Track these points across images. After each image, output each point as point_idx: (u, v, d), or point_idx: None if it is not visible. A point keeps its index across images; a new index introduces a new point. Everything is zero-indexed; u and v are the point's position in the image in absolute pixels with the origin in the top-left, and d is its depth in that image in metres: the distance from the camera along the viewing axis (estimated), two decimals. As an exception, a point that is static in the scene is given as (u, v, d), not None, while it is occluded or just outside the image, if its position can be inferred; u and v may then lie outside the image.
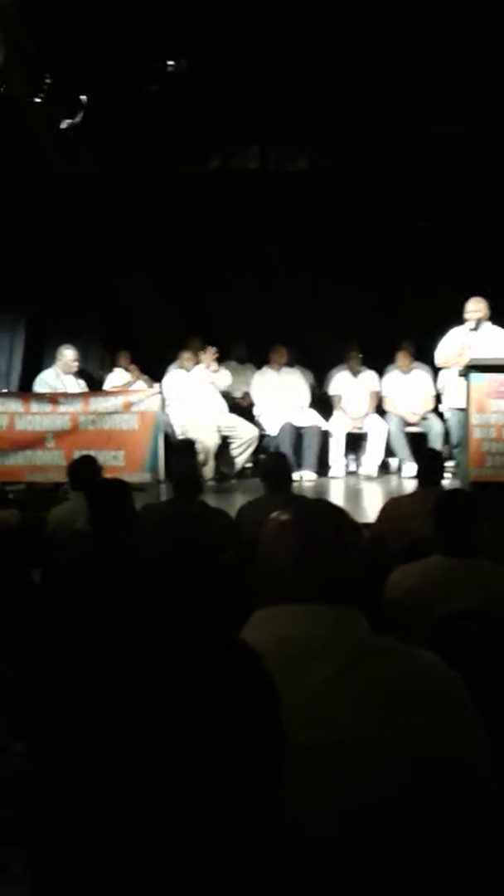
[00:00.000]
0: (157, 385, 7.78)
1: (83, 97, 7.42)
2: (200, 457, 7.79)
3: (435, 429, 8.21)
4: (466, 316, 7.32)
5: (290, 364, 8.76)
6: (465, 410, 6.66)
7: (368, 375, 8.74)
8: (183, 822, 0.72)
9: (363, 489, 7.92)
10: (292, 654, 1.26)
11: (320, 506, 1.50)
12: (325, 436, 8.36)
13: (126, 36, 6.71)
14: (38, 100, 6.94)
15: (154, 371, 8.62)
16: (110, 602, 2.65)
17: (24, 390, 8.28)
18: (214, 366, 8.24)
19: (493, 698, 2.52)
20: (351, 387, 8.70)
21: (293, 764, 1.17)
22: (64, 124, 7.40)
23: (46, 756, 0.75)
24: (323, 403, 8.90)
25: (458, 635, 2.81)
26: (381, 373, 8.83)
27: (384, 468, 8.61)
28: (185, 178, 9.04)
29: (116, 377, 8.73)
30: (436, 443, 8.12)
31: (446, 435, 8.04)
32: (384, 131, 8.53)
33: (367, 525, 5.06)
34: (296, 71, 7.29)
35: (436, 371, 8.18)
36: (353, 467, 8.77)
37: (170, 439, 7.83)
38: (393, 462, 8.68)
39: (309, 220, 9.14)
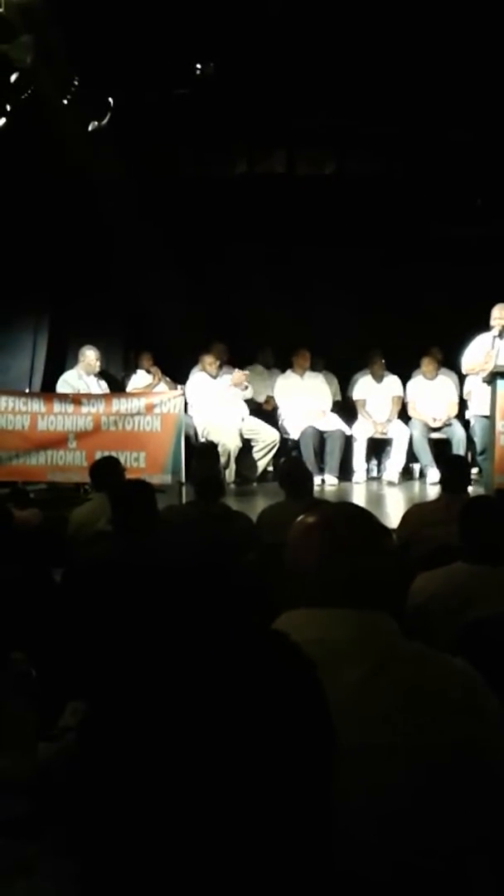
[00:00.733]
0: (179, 387, 7.77)
1: (111, 99, 7.43)
2: (222, 459, 7.78)
3: (458, 435, 8.16)
4: (493, 322, 7.26)
5: (314, 368, 8.74)
6: (490, 417, 6.60)
7: (392, 381, 8.70)
8: (241, 825, 0.69)
9: (385, 495, 7.88)
10: (320, 656, 1.24)
11: (348, 509, 1.48)
12: (347, 440, 8.32)
13: (154, 38, 6.71)
14: (66, 101, 6.96)
15: (176, 374, 8.62)
16: (132, 603, 2.63)
17: (47, 391, 8.29)
18: (242, 386, 8.23)
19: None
20: (374, 392, 8.66)
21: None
22: (91, 126, 7.41)
23: (99, 756, 0.72)
24: (346, 408, 8.87)
25: (483, 642, 2.77)
26: (406, 378, 8.79)
27: (407, 474, 8.57)
28: (211, 182, 9.04)
29: (139, 379, 8.73)
30: (459, 449, 8.07)
31: (469, 441, 7.99)
32: (416, 136, 8.51)
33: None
34: (322, 74, 7.27)
35: (461, 377, 8.12)
36: (375, 472, 8.73)
37: (191, 442, 7.82)
38: (416, 468, 8.63)
39: (336, 224, 9.11)
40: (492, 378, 6.50)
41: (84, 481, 6.72)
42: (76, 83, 6.93)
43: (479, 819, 1.22)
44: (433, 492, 7.23)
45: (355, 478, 8.32)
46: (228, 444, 7.82)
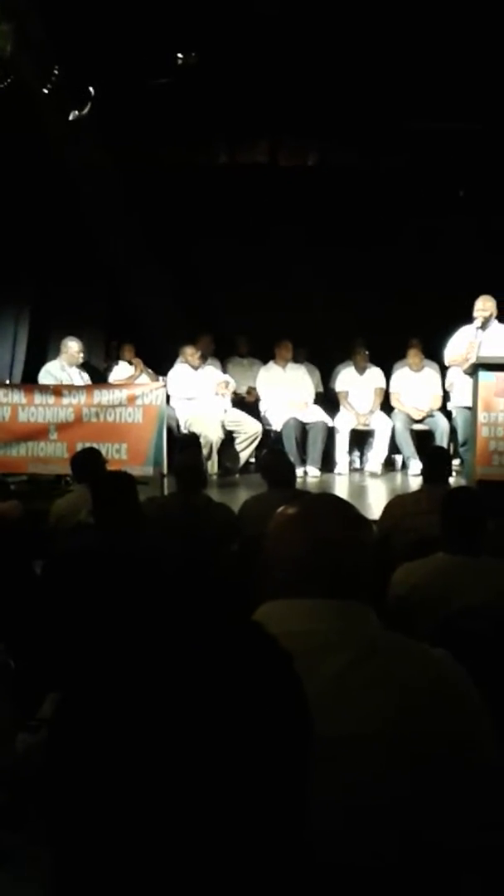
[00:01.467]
0: (161, 379, 7.75)
1: (91, 88, 7.38)
2: (204, 451, 7.77)
3: (441, 426, 8.18)
4: (475, 314, 7.28)
5: (296, 360, 8.73)
6: (472, 409, 6.62)
7: (374, 372, 8.71)
8: (215, 815, 0.69)
9: (368, 486, 7.89)
10: (300, 647, 1.24)
11: (328, 500, 1.48)
12: (330, 432, 8.33)
13: (135, 27, 6.66)
14: (46, 90, 6.91)
15: (159, 365, 8.59)
16: (112, 594, 2.62)
17: (28, 382, 8.24)
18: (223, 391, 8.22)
19: (500, 697, 2.49)
20: (357, 383, 8.67)
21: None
22: (72, 115, 7.36)
23: (68, 750, 0.71)
24: (329, 400, 8.88)
25: (463, 633, 2.78)
26: (389, 370, 8.80)
27: (389, 465, 8.59)
28: (193, 172, 9.00)
29: (121, 370, 8.70)
30: (441, 440, 8.09)
31: (452, 433, 8.01)
32: (396, 127, 8.49)
33: (371, 522, 5.05)
34: (306, 65, 7.25)
35: (444, 369, 8.14)
36: (357, 464, 8.75)
37: (174, 433, 7.80)
38: (398, 459, 8.65)
39: (319, 215, 9.10)
40: (474, 370, 6.52)
41: (65, 473, 6.70)
42: (56, 72, 6.87)
43: (461, 808, 1.22)
44: (415, 483, 7.25)
45: (337, 469, 8.33)
46: (211, 435, 7.81)
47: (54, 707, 0.74)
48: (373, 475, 8.26)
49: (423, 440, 8.21)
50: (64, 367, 8.09)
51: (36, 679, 2.00)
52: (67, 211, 8.39)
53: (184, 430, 7.96)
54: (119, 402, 7.25)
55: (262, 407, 8.50)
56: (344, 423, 8.40)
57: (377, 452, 8.37)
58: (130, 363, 8.69)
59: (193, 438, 7.76)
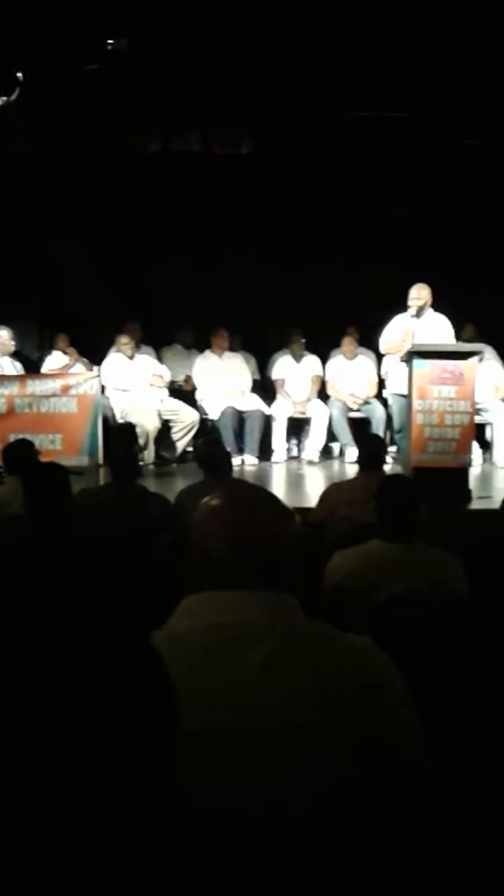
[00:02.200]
0: (95, 368, 7.66)
1: (20, 74, 7.25)
2: (140, 441, 7.70)
3: (377, 414, 8.24)
4: (410, 302, 7.32)
5: (232, 348, 8.71)
6: (407, 396, 6.66)
7: (311, 360, 8.72)
8: (83, 799, 0.75)
9: (305, 474, 7.91)
10: (224, 639, 1.25)
11: (252, 491, 1.46)
12: (267, 420, 8.32)
13: (65, 12, 6.55)
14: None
15: (93, 354, 8.49)
16: (42, 587, 2.57)
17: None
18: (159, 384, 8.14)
19: (431, 683, 2.50)
20: (293, 371, 8.68)
21: (226, 747, 1.16)
22: (1, 101, 7.22)
23: None
24: (265, 388, 8.87)
25: (397, 620, 2.79)
26: (325, 358, 8.83)
27: (326, 453, 8.62)
28: (126, 159, 8.89)
29: (54, 360, 8.57)
30: (378, 428, 8.15)
31: (388, 420, 8.07)
32: (330, 115, 8.49)
33: (308, 510, 5.05)
34: (238, 53, 7.20)
35: (379, 357, 8.18)
36: (295, 452, 8.77)
37: (109, 423, 7.72)
38: (335, 447, 8.69)
39: (253, 203, 9.08)
40: (409, 357, 6.56)
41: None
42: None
43: (385, 797, 1.22)
44: (352, 470, 7.27)
45: (275, 457, 8.33)
46: (147, 424, 7.74)
47: None
48: (310, 463, 8.28)
49: (360, 428, 8.26)
50: (-6, 357, 7.94)
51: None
52: (-2, 197, 8.23)
53: (119, 420, 7.87)
54: (53, 392, 7.16)
55: (199, 396, 8.46)
56: (281, 411, 8.40)
57: (314, 440, 8.39)
58: (65, 353, 8.56)
59: (129, 428, 7.67)
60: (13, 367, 7.98)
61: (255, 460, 8.11)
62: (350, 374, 8.58)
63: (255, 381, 8.85)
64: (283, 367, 8.73)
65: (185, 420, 7.95)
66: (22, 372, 7.99)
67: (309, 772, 1.18)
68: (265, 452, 8.32)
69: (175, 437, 7.98)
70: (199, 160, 8.83)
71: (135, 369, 8.14)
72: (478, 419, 7.44)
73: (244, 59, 7.24)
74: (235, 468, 7.64)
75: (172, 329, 9.27)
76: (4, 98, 7.05)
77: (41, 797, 0.73)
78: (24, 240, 8.52)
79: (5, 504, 4.41)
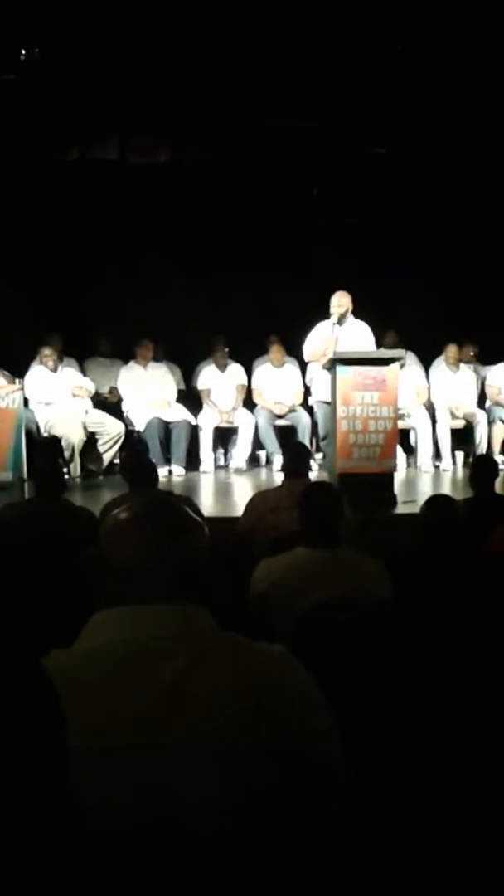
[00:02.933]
0: (18, 381, 7.55)
1: None
2: (66, 454, 7.63)
3: (303, 421, 8.29)
4: (332, 310, 7.39)
5: (156, 358, 8.67)
6: (331, 403, 6.72)
7: (235, 369, 8.74)
8: None
9: (233, 483, 7.92)
10: (133, 655, 1.24)
11: (160, 503, 1.45)
12: (193, 430, 8.31)
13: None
14: None
15: (15, 367, 8.35)
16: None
17: None
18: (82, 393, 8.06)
19: (356, 688, 2.52)
20: (218, 381, 8.68)
21: (141, 763, 1.14)
22: None
23: None
24: (191, 398, 8.86)
25: (322, 626, 2.81)
26: (248, 367, 8.86)
27: (254, 461, 8.65)
28: (43, 169, 8.79)
29: (-25, 374, 8.42)
30: (304, 435, 8.20)
31: (314, 427, 8.13)
32: (249, 125, 8.53)
33: (236, 519, 5.05)
34: (156, 61, 7.20)
35: (303, 365, 8.24)
36: (222, 461, 8.77)
37: (34, 437, 7.62)
38: (262, 455, 8.72)
39: (173, 212, 9.07)
40: (332, 365, 6.62)
41: None
42: None
43: (303, 806, 1.22)
44: (280, 478, 7.30)
45: (202, 467, 8.32)
46: (72, 437, 7.66)
47: None
48: (238, 472, 8.29)
49: (286, 435, 8.31)
50: None
51: None
52: None
53: (44, 433, 7.78)
54: (-26, 406, 7.03)
55: (125, 407, 8.40)
56: (207, 421, 8.40)
57: (241, 449, 8.41)
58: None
59: (53, 441, 7.59)
60: None
61: (182, 471, 8.09)
62: (276, 382, 8.62)
63: (180, 392, 8.83)
64: (208, 376, 8.73)
65: (110, 432, 7.88)
66: None
67: (223, 786, 1.18)
68: (192, 462, 8.31)
69: (101, 449, 7.91)
70: (118, 170, 8.78)
71: (58, 382, 8.04)
72: (401, 424, 7.56)
73: (160, 69, 7.23)
74: (163, 479, 7.61)
75: (94, 340, 9.19)
76: None
77: None
78: None
79: None
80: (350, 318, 7.43)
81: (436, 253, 9.20)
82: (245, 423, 8.38)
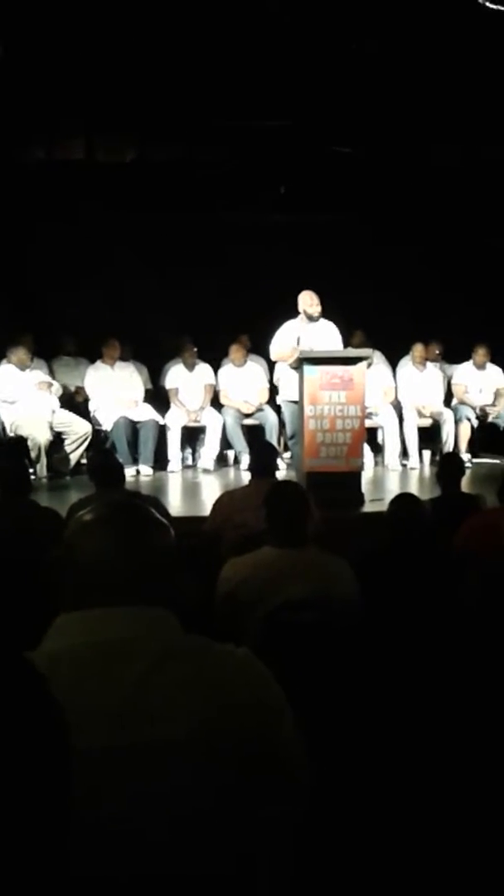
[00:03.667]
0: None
1: None
2: (32, 454, 7.56)
3: (271, 420, 8.29)
4: (308, 310, 7.40)
5: (123, 358, 8.63)
6: (299, 402, 6.73)
7: (203, 369, 8.72)
8: None
9: (201, 482, 7.90)
10: (96, 658, 1.23)
11: (125, 505, 1.44)
12: (161, 430, 8.28)
13: None
14: None
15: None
16: None
17: None
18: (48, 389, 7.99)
19: (323, 686, 2.53)
20: (186, 380, 8.66)
21: (105, 765, 1.14)
22: None
23: None
24: (158, 397, 8.83)
25: (289, 626, 2.81)
26: (217, 366, 8.84)
27: (221, 461, 8.63)
28: (8, 168, 8.71)
29: None
30: (272, 434, 8.20)
31: (281, 426, 8.13)
32: (215, 124, 8.52)
33: (202, 519, 5.04)
34: (122, 59, 7.16)
35: (271, 364, 8.24)
36: (190, 461, 8.75)
37: (-1, 437, 7.56)
38: (230, 454, 8.71)
39: (141, 211, 9.03)
40: (299, 364, 6.62)
41: None
42: None
43: (265, 807, 1.22)
44: (248, 477, 7.30)
45: (170, 467, 8.30)
46: (39, 437, 7.60)
47: None
48: (206, 471, 8.27)
49: (254, 434, 8.30)
50: None
51: None
52: None
53: (10, 434, 7.71)
54: None
55: (92, 407, 8.35)
56: (175, 421, 8.37)
57: (209, 448, 8.40)
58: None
59: (19, 441, 7.53)
60: None
61: (149, 470, 8.06)
62: (242, 381, 8.62)
63: (147, 391, 8.80)
64: (176, 376, 8.70)
65: (77, 432, 7.83)
66: None
67: (186, 788, 1.17)
68: (160, 462, 8.28)
69: (68, 449, 7.86)
70: (84, 168, 8.72)
71: (25, 381, 7.98)
72: (368, 423, 7.58)
73: (126, 67, 7.19)
74: (130, 479, 7.58)
75: (60, 339, 9.13)
76: None
77: None
78: None
79: None
80: (318, 317, 7.45)
81: (402, 252, 9.23)
82: (213, 423, 8.37)
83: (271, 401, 8.45)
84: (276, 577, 3.01)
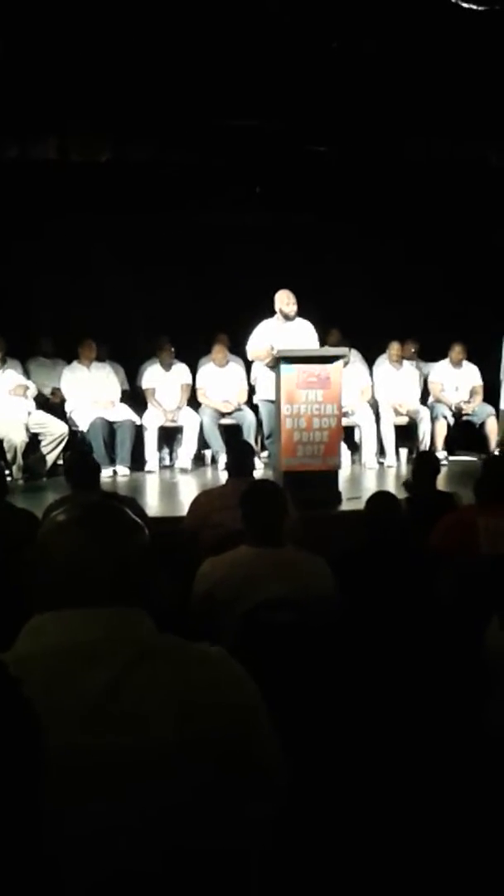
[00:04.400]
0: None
1: None
2: (8, 455, 7.53)
3: (248, 420, 8.29)
4: (285, 309, 7.41)
5: (100, 358, 8.60)
6: (276, 402, 6.73)
7: (180, 368, 8.71)
8: None
9: (179, 482, 7.88)
10: (72, 658, 1.22)
11: (98, 506, 1.43)
12: (138, 430, 8.26)
13: None
14: None
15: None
16: None
17: None
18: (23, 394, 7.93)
19: (301, 685, 2.53)
20: (163, 380, 8.64)
21: (80, 764, 1.13)
22: None
23: None
24: (135, 397, 8.81)
25: (266, 626, 2.81)
26: (195, 366, 8.83)
27: (199, 461, 8.62)
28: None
29: None
30: (249, 434, 8.20)
31: (259, 426, 8.14)
32: (191, 123, 8.50)
33: (180, 519, 5.04)
34: (96, 58, 7.13)
35: (248, 363, 8.24)
36: (167, 461, 8.73)
37: (-26, 439, 7.51)
38: (207, 454, 8.70)
39: (116, 211, 8.99)
40: (276, 363, 6.62)
41: None
42: None
43: (242, 805, 1.22)
44: (225, 477, 7.30)
45: (148, 467, 8.28)
46: (14, 439, 7.56)
47: None
48: (183, 471, 8.26)
49: (231, 434, 8.29)
50: None
51: None
52: None
53: (-15, 435, 7.66)
54: None
55: (68, 407, 8.32)
56: (152, 421, 8.35)
57: (186, 448, 8.38)
58: None
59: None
60: None
61: (127, 471, 8.03)
62: (221, 381, 8.61)
63: (124, 392, 8.78)
64: (153, 376, 8.68)
65: (54, 433, 7.79)
66: None
67: (161, 788, 1.17)
68: (137, 462, 8.26)
69: (44, 450, 7.81)
70: (58, 168, 8.67)
71: (2, 382, 7.93)
72: (345, 422, 7.60)
73: (99, 66, 7.16)
74: (107, 479, 7.56)
75: (36, 340, 9.09)
76: None
77: None
78: None
79: None
80: (294, 317, 7.46)
81: (378, 250, 9.26)
82: (190, 423, 8.36)
83: (248, 400, 8.45)
84: (254, 576, 3.01)
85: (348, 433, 8.39)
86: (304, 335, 7.40)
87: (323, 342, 7.94)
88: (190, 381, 8.66)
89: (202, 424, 8.33)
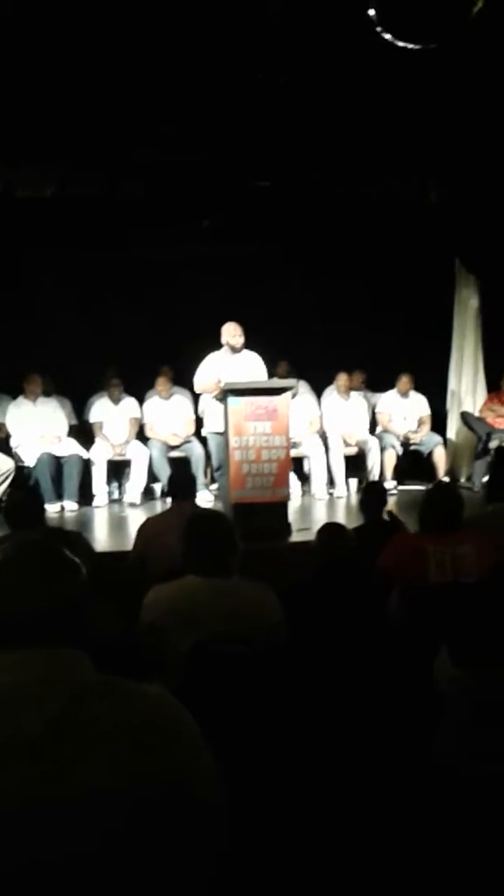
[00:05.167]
0: None
1: None
2: (-47, 492, 7.40)
3: (196, 452, 8.27)
4: (231, 340, 7.42)
5: (46, 393, 8.53)
6: (224, 434, 6.72)
7: (129, 402, 8.68)
8: None
9: (128, 516, 7.81)
10: (10, 699, 1.20)
11: (33, 547, 1.41)
12: (86, 464, 8.19)
13: None
14: None
15: None
16: None
17: None
18: None
19: (249, 717, 2.48)
20: (111, 414, 8.59)
21: (17, 802, 1.10)
22: None
23: None
24: (83, 431, 8.74)
25: (214, 657, 2.76)
26: (142, 399, 8.80)
27: (148, 494, 8.55)
28: None
29: None
30: (198, 466, 8.17)
31: (208, 458, 8.11)
32: (136, 157, 8.52)
33: (129, 553, 4.98)
34: (39, 92, 7.12)
35: (195, 396, 8.23)
36: (116, 495, 8.65)
37: None
38: (157, 487, 8.64)
39: (62, 245, 8.96)
40: (223, 395, 6.62)
41: None
42: None
43: (181, 844, 1.18)
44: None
45: (96, 501, 8.20)
46: (-41, 475, 7.44)
47: None
48: (132, 505, 8.19)
49: (180, 466, 8.24)
50: None
51: None
52: None
53: None
54: None
55: (14, 443, 8.22)
56: (100, 455, 8.29)
57: (135, 482, 8.32)
58: None
59: None
60: None
61: (75, 506, 7.95)
62: (167, 413, 8.59)
63: (72, 426, 8.70)
64: (101, 409, 8.63)
65: (0, 469, 7.69)
66: None
67: (98, 826, 1.14)
68: (85, 497, 8.17)
69: (-10, 486, 7.70)
70: (3, 203, 8.63)
71: None
72: (294, 453, 7.61)
73: (43, 100, 7.16)
74: (55, 515, 7.48)
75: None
76: None
77: None
78: None
79: None
80: (242, 349, 7.47)
81: (325, 283, 9.33)
82: (138, 456, 8.31)
83: (196, 433, 8.43)
84: (202, 607, 2.96)
85: (297, 464, 8.40)
86: (251, 367, 7.41)
87: (272, 374, 7.97)
88: (139, 414, 8.63)
89: (151, 457, 8.28)
